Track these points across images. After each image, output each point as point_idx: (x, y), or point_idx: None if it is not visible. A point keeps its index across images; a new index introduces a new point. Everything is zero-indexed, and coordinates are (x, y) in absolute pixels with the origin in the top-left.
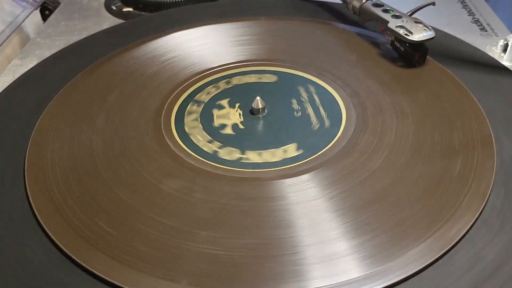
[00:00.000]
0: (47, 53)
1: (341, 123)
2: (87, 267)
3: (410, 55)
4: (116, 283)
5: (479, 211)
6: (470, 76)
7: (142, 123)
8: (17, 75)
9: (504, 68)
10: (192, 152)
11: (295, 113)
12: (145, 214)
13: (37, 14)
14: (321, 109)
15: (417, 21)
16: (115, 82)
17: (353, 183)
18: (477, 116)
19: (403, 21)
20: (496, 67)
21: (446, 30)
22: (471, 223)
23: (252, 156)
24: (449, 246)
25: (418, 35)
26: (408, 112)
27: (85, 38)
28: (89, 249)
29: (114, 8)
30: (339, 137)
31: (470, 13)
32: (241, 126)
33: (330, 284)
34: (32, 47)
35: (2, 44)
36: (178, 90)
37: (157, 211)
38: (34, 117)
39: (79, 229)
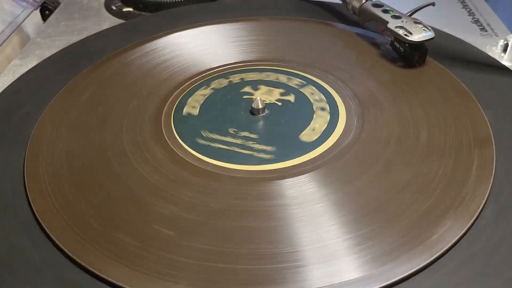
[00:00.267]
0: (47, 53)
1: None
2: (87, 267)
3: (410, 55)
4: (116, 282)
5: (479, 212)
6: (470, 76)
7: (142, 123)
8: (17, 75)
9: (504, 68)
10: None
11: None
12: (145, 214)
13: (37, 14)
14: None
15: (417, 22)
16: (115, 82)
17: (353, 183)
18: (477, 116)
19: (402, 21)
20: (496, 67)
21: (446, 30)
22: (471, 223)
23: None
24: (449, 246)
25: (418, 35)
26: (408, 112)
27: (85, 38)
28: (89, 249)
29: (114, 8)
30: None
31: (470, 13)
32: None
33: (330, 284)
34: (32, 47)
35: (2, 44)
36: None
37: (157, 211)
38: (34, 117)
39: (79, 229)
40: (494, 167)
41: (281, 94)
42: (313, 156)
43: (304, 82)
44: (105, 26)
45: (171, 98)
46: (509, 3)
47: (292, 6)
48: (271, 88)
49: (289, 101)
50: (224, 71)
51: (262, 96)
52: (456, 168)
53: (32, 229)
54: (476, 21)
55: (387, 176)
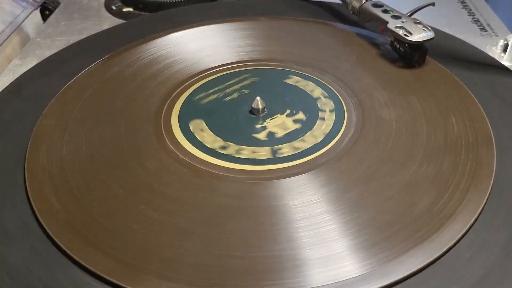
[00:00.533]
0: (47, 53)
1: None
2: (88, 267)
3: (410, 55)
4: (117, 282)
5: (479, 211)
6: (470, 76)
7: (142, 123)
8: (17, 75)
9: (504, 68)
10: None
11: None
12: (145, 214)
13: (37, 14)
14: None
15: (417, 22)
16: (115, 82)
17: (352, 183)
18: (477, 116)
19: (402, 21)
20: (496, 67)
21: (446, 30)
22: (472, 222)
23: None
24: (449, 246)
25: (418, 35)
26: (408, 112)
27: (85, 38)
28: (89, 248)
29: (114, 8)
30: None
31: (470, 13)
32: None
33: (330, 284)
34: (32, 47)
35: (2, 44)
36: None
37: (157, 211)
38: (34, 117)
39: (79, 229)
40: (494, 167)
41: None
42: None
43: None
44: (105, 26)
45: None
46: (509, 3)
47: (292, 6)
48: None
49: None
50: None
51: (274, 129)
52: (456, 168)
53: (32, 229)
54: (476, 21)
55: (387, 176)
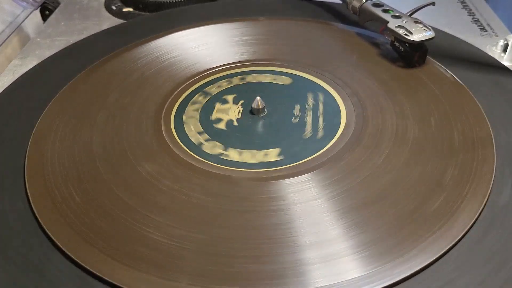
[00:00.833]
0: (47, 53)
1: (340, 123)
2: (87, 267)
3: (410, 55)
4: (117, 283)
5: (479, 211)
6: (470, 76)
7: (142, 123)
8: (17, 75)
9: (504, 68)
10: (189, 150)
11: (292, 116)
12: (145, 214)
13: (37, 14)
14: (320, 109)
15: (417, 21)
16: (115, 82)
17: (352, 183)
18: (477, 116)
19: (403, 21)
20: (496, 67)
21: (446, 30)
22: (471, 223)
23: (232, 154)
24: (449, 246)
25: (418, 35)
26: (408, 112)
27: (85, 38)
28: (89, 249)
29: (114, 8)
30: (338, 137)
31: (470, 13)
32: (235, 123)
33: (330, 284)
34: (32, 47)
35: (2, 44)
36: (178, 90)
37: (157, 212)
38: (34, 117)
39: (79, 229)
40: (494, 167)
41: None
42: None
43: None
44: (105, 26)
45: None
46: (509, 3)
47: (292, 6)
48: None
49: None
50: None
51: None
52: (456, 168)
53: (32, 229)
54: (476, 21)
55: (387, 176)
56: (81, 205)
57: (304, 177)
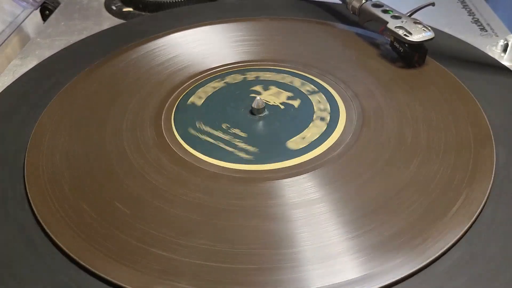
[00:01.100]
0: (47, 53)
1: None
2: (88, 267)
3: (410, 55)
4: (117, 282)
5: (479, 211)
6: (470, 76)
7: (142, 123)
8: (17, 75)
9: (504, 68)
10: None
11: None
12: (145, 214)
13: (37, 14)
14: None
15: (417, 22)
16: (115, 82)
17: (352, 184)
18: (477, 116)
19: (402, 21)
20: (496, 67)
21: (446, 30)
22: (470, 224)
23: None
24: (448, 246)
25: (418, 35)
26: (408, 113)
27: (85, 38)
28: (89, 249)
29: (114, 8)
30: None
31: (470, 13)
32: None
33: (330, 284)
34: (32, 47)
35: (2, 44)
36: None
37: (157, 211)
38: (34, 117)
39: (79, 229)
40: (494, 167)
41: (288, 98)
42: (313, 156)
43: (317, 89)
44: (105, 26)
45: (171, 98)
46: (509, 3)
47: (291, 6)
48: (281, 91)
49: (292, 105)
50: (242, 67)
51: (269, 97)
52: (456, 168)
53: (32, 229)
54: (476, 21)
55: (387, 176)
56: (81, 205)
57: (304, 177)
